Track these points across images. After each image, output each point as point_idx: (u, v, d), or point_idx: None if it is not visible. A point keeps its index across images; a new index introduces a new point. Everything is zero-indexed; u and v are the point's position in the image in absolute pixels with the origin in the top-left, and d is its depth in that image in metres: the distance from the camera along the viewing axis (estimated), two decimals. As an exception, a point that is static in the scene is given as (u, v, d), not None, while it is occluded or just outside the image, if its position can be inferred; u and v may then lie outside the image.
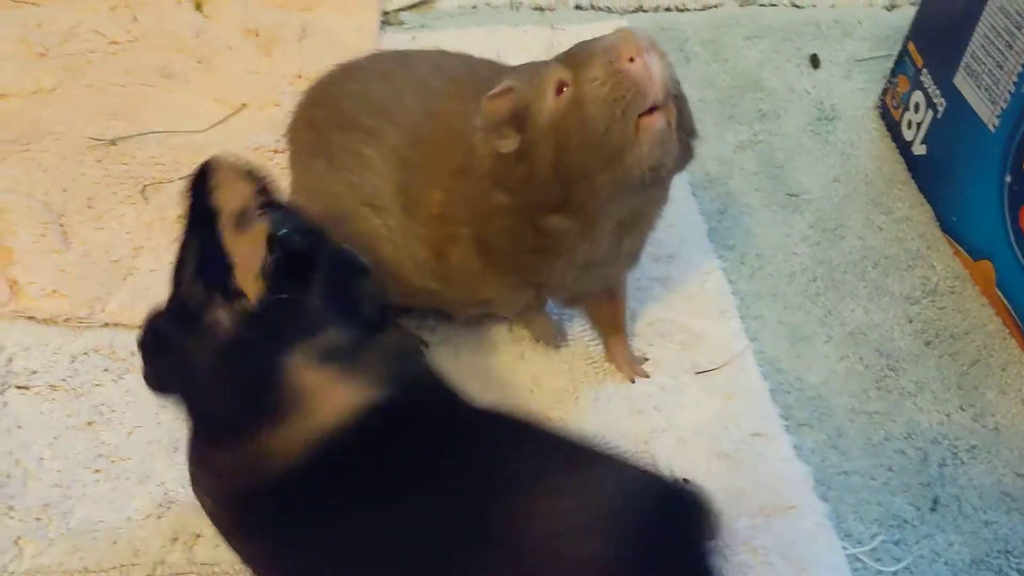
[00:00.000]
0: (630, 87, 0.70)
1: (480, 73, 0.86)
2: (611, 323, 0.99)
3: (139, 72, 1.21)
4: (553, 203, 0.77)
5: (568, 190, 0.76)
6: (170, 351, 0.66)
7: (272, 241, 0.64)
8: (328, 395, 0.60)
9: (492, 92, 0.76)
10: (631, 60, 0.69)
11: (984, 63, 1.06)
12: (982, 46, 1.07)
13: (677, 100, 0.74)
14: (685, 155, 0.78)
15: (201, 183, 0.69)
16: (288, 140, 0.97)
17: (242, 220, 0.65)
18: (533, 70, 0.77)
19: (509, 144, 0.76)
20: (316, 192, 0.90)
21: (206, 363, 0.64)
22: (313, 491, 0.60)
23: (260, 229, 0.64)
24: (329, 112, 0.91)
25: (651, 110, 0.71)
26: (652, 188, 0.79)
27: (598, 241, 0.82)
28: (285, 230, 0.64)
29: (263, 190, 0.68)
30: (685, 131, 0.76)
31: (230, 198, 0.67)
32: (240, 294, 0.62)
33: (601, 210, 0.78)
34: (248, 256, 0.63)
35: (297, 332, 0.62)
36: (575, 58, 0.74)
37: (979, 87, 1.07)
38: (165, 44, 1.25)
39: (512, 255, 0.84)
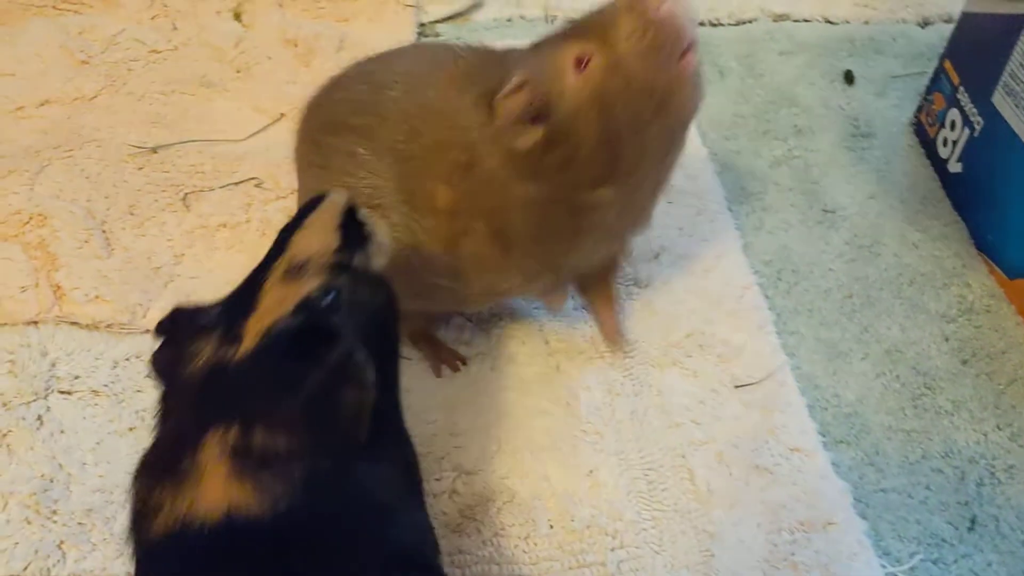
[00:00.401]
0: (669, 32, 0.71)
1: (468, 59, 0.84)
2: (606, 294, 1.00)
3: (179, 81, 1.22)
4: (598, 176, 0.77)
5: (616, 156, 0.76)
6: (171, 348, 0.66)
7: (303, 306, 0.62)
8: (212, 488, 0.57)
9: (505, 91, 0.74)
10: (658, 8, 0.71)
11: (1023, 82, 1.06)
12: (1021, 65, 1.07)
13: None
14: (700, 94, 0.79)
15: (304, 212, 0.69)
16: (295, 160, 0.97)
17: (296, 271, 0.65)
18: (536, 56, 0.76)
19: (531, 138, 0.75)
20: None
21: (174, 382, 0.64)
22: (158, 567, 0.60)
23: (302, 288, 0.64)
24: (319, 121, 0.91)
25: (686, 50, 0.72)
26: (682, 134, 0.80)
27: (638, 204, 0.84)
28: (325, 302, 0.63)
29: (343, 251, 0.66)
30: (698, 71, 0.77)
31: (304, 244, 0.66)
32: (237, 340, 0.61)
33: (648, 169, 0.79)
34: (271, 308, 0.63)
35: (231, 412, 0.59)
36: (591, 27, 0.74)
37: (1018, 106, 1.07)
38: (205, 53, 1.26)
39: (536, 242, 0.83)
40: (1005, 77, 1.10)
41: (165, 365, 0.66)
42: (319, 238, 0.67)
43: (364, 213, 0.71)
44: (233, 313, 0.64)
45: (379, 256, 0.70)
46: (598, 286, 1.00)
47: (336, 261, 0.66)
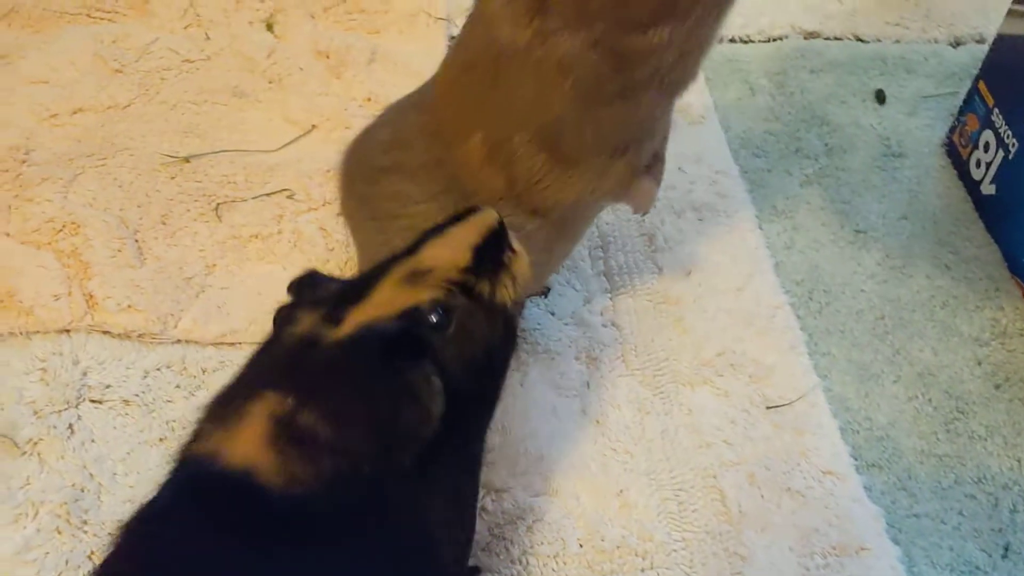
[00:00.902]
0: None
1: None
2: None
3: (212, 91, 1.22)
4: (655, 8, 0.73)
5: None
6: (292, 307, 0.66)
7: (408, 314, 0.61)
8: (245, 440, 0.58)
9: None
10: None
11: (1062, 105, 1.05)
12: (1058, 88, 1.06)
13: None
14: None
15: (452, 220, 0.68)
16: (346, 221, 0.98)
17: (417, 277, 0.64)
18: None
19: None
20: (382, 253, 0.77)
21: (276, 337, 0.65)
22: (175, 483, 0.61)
23: (416, 296, 0.62)
24: (356, 177, 0.91)
25: None
26: None
27: (691, 57, 0.78)
28: (433, 317, 0.62)
29: (470, 273, 0.65)
30: None
31: (435, 253, 0.65)
32: (338, 323, 0.61)
33: (706, 9, 0.75)
34: (379, 304, 0.62)
35: (294, 384, 0.59)
36: None
37: (1055, 129, 1.06)
38: (237, 64, 1.26)
39: (590, 125, 0.79)
40: (1041, 99, 1.09)
41: (281, 320, 0.66)
42: (451, 252, 0.65)
43: (513, 242, 0.69)
44: (346, 296, 0.64)
45: (509, 289, 0.68)
46: None
47: (459, 280, 0.64)
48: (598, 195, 0.85)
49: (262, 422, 0.58)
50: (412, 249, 0.66)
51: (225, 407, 0.61)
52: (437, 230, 0.67)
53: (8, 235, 1.02)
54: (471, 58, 0.82)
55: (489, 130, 0.81)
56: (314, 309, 0.63)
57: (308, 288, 0.66)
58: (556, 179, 0.82)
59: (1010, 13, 1.18)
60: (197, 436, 0.62)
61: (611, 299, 1.07)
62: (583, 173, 0.82)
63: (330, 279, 0.67)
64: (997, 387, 1.04)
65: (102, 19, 1.31)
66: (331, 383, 0.59)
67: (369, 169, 0.89)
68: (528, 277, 0.69)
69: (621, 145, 0.82)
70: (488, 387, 0.69)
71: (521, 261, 0.69)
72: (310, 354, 0.60)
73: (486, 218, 0.67)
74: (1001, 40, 1.21)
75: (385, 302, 0.62)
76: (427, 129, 0.85)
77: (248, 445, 0.57)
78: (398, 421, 0.59)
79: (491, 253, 0.67)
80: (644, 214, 0.95)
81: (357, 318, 0.61)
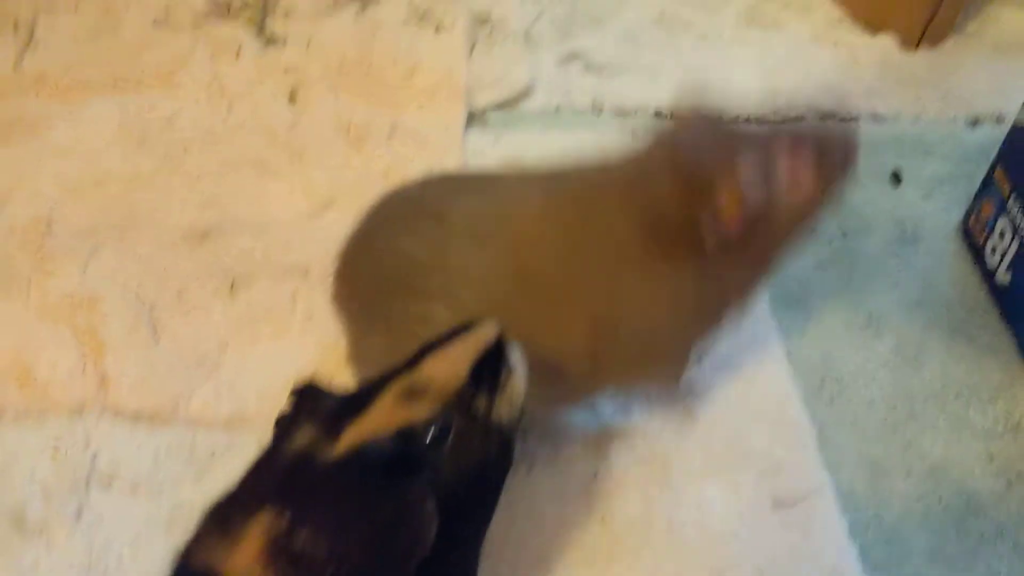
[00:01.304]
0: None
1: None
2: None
3: (233, 162, 1.25)
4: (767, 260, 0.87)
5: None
6: (292, 417, 0.67)
7: (405, 432, 0.62)
8: (242, 557, 0.59)
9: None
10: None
11: (1077, 203, 1.05)
12: (1074, 182, 1.06)
13: None
14: None
15: (453, 332, 0.68)
16: (335, 307, 0.93)
17: (415, 394, 0.64)
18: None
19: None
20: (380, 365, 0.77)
21: (276, 448, 0.66)
22: None
23: (411, 413, 0.63)
24: (368, 279, 0.88)
25: None
26: None
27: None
28: (429, 435, 0.62)
29: (468, 390, 0.65)
30: None
31: (433, 369, 0.65)
32: (334, 439, 0.62)
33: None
34: (375, 420, 0.63)
35: (292, 502, 0.60)
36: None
37: (1070, 224, 1.06)
38: (259, 136, 1.28)
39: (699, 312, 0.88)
40: (1057, 192, 1.09)
41: (280, 430, 0.67)
42: (449, 368, 0.65)
43: (512, 356, 0.69)
44: (345, 410, 0.65)
45: (505, 406, 0.68)
46: None
47: (457, 398, 0.64)
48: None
49: (259, 540, 0.58)
50: (411, 363, 0.67)
51: (226, 517, 0.62)
52: (437, 344, 0.68)
53: (27, 309, 1.04)
54: None
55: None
56: (313, 422, 0.64)
57: (309, 399, 0.67)
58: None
59: (1027, 104, 1.18)
60: (198, 542, 0.62)
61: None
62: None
63: (329, 392, 0.68)
64: (1009, 484, 1.03)
65: (128, 90, 1.33)
66: (327, 502, 0.60)
67: (394, 281, 0.85)
68: (522, 393, 0.69)
69: None
70: (481, 503, 0.70)
71: (518, 377, 0.69)
72: (307, 470, 0.61)
73: (485, 333, 0.68)
74: (1017, 130, 1.21)
75: (382, 418, 0.63)
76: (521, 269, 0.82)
77: (245, 563, 0.58)
78: (393, 543, 0.60)
79: (489, 370, 0.67)
80: None
81: (353, 435, 0.61)
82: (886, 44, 1.62)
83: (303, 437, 0.63)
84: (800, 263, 1.24)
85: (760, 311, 1.16)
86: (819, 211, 0.87)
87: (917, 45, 1.61)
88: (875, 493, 1.01)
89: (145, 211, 1.17)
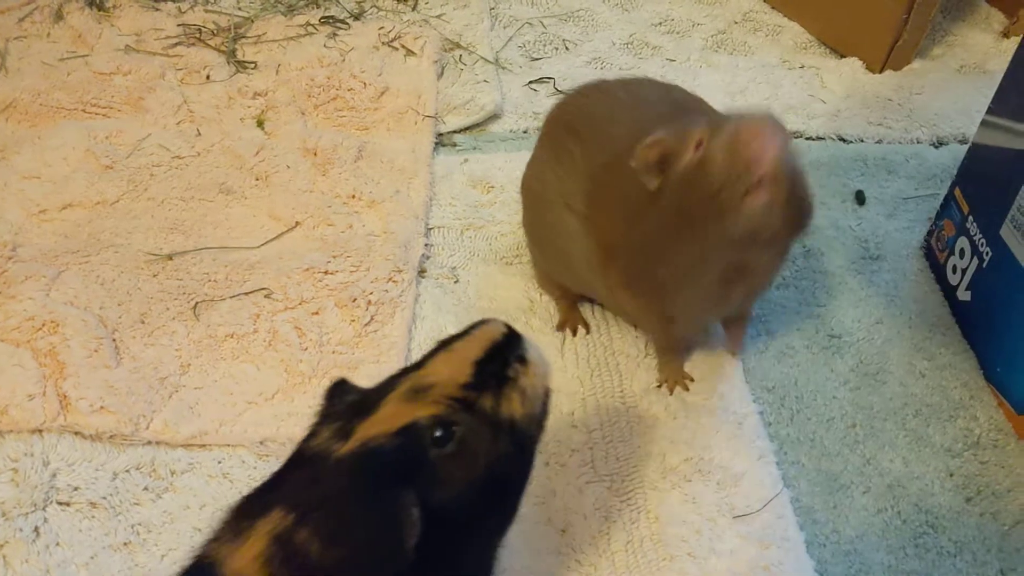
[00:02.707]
0: (742, 163, 0.83)
1: (677, 114, 0.97)
2: (734, 338, 1.13)
3: (199, 187, 1.25)
4: (663, 248, 0.93)
5: (680, 236, 0.91)
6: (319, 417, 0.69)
7: (406, 430, 0.62)
8: (244, 557, 0.61)
9: (645, 142, 0.89)
10: (752, 139, 0.82)
11: (1030, 219, 1.06)
12: (1029, 200, 1.07)
13: (791, 178, 0.86)
14: (795, 225, 0.91)
15: (463, 333, 0.69)
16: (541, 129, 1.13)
17: (419, 393, 0.64)
18: (686, 124, 0.89)
19: (653, 183, 0.90)
20: (536, 176, 1.09)
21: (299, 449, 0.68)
22: None
23: (414, 412, 0.63)
24: (564, 116, 1.08)
25: (759, 185, 0.83)
26: (754, 249, 0.91)
27: (700, 288, 0.95)
28: (435, 433, 0.62)
29: (471, 388, 0.65)
30: (794, 206, 0.89)
31: (437, 369, 0.66)
32: (346, 438, 0.63)
33: (701, 260, 0.92)
34: (382, 420, 0.63)
35: (298, 501, 0.62)
36: (716, 124, 0.87)
37: (1025, 241, 1.07)
38: (226, 160, 1.29)
39: (647, 283, 0.98)
40: (1013, 211, 1.10)
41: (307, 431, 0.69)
42: (453, 367, 0.66)
43: (527, 352, 0.69)
44: (358, 409, 0.66)
45: (515, 403, 0.67)
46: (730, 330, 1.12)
47: (459, 396, 0.64)
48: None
49: (263, 540, 0.60)
50: (420, 363, 0.67)
51: (242, 515, 0.63)
52: (445, 344, 0.68)
53: (-12, 332, 1.04)
54: None
55: (609, 225, 1.01)
56: (330, 423, 0.65)
57: (338, 397, 0.68)
58: (625, 295, 1.05)
59: (984, 123, 1.19)
60: (216, 537, 0.64)
61: (582, 400, 1.08)
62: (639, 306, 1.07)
63: (352, 388, 0.69)
64: (968, 500, 1.03)
65: (97, 114, 1.35)
66: (328, 501, 0.61)
67: (571, 123, 1.05)
68: (542, 387, 0.69)
69: None
70: (498, 503, 0.69)
71: (536, 372, 0.69)
72: (319, 468, 0.63)
73: (490, 331, 0.68)
74: (975, 149, 1.23)
75: (387, 417, 0.64)
76: (608, 154, 1.00)
77: (246, 563, 0.60)
78: (374, 547, 0.60)
79: (494, 367, 0.67)
80: None
81: (361, 434, 0.63)
82: (853, 67, 1.64)
83: (321, 436, 0.64)
84: (763, 282, 1.25)
85: (721, 331, 1.17)
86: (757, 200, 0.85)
87: (882, 68, 1.64)
88: (833, 508, 1.01)
89: (109, 236, 1.17)
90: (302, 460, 0.65)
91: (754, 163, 0.83)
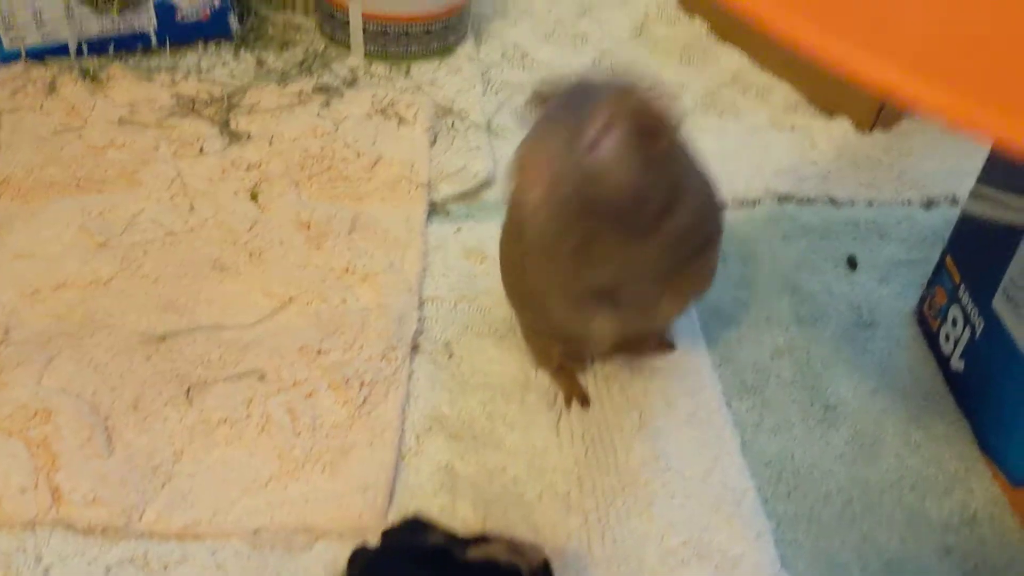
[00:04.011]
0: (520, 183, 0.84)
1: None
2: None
3: (193, 263, 1.25)
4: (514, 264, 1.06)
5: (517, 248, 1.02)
6: None
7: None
8: None
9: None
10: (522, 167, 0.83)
11: (1023, 289, 1.07)
12: (1021, 272, 1.08)
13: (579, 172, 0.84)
14: (633, 212, 0.89)
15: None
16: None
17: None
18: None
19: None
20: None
21: None
22: None
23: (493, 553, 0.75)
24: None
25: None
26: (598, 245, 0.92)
27: (561, 308, 1.01)
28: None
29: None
30: (606, 195, 0.86)
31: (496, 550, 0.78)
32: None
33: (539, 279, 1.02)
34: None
35: None
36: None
37: (1018, 314, 1.08)
38: (220, 236, 1.29)
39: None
40: (1005, 282, 1.11)
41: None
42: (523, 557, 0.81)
43: None
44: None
45: None
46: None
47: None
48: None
49: None
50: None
51: None
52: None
53: (-19, 421, 1.04)
54: None
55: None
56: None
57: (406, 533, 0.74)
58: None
59: (973, 194, 1.20)
60: None
61: (578, 479, 1.08)
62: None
63: (428, 527, 0.77)
64: (966, 577, 1.03)
65: (91, 189, 1.35)
66: None
67: None
68: None
69: None
70: None
71: None
72: None
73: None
74: (966, 219, 1.24)
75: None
76: None
77: None
78: None
79: None
80: None
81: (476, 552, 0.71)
82: (842, 127, 1.66)
83: None
84: (755, 351, 1.25)
85: (714, 402, 1.17)
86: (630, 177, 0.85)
87: (872, 127, 1.65)
88: (831, 591, 1.01)
89: (103, 316, 1.17)
90: None
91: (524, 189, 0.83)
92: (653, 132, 0.85)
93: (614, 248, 0.93)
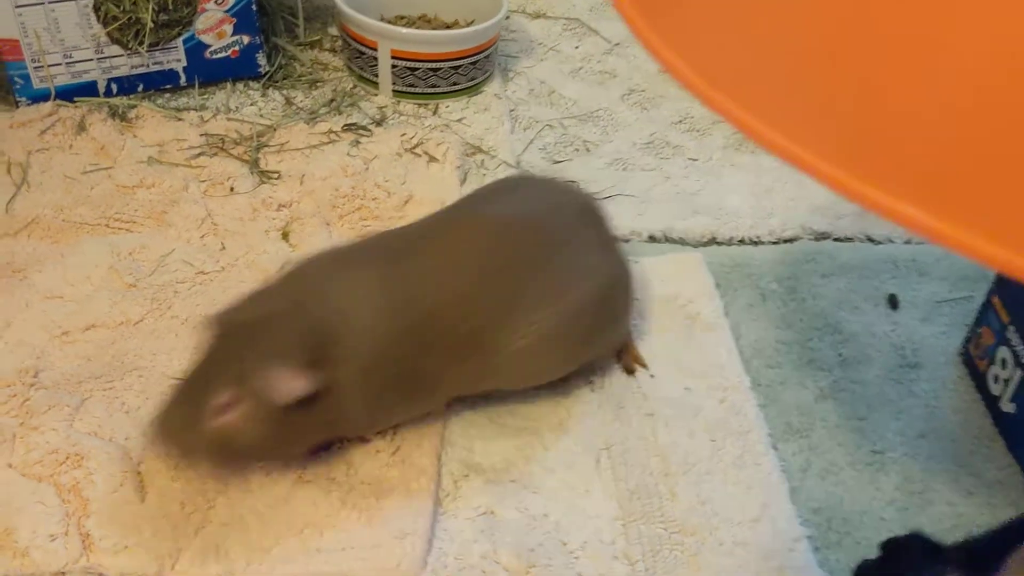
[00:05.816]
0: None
1: None
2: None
3: (224, 303, 1.23)
4: None
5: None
6: None
7: None
8: None
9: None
10: None
11: (1078, 336, 1.04)
12: (1074, 312, 1.05)
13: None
14: None
15: None
16: None
17: None
18: None
19: None
20: None
21: None
22: None
23: None
24: None
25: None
26: None
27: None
28: None
29: None
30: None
31: None
32: None
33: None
34: None
35: None
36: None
37: (1073, 356, 1.05)
38: (251, 275, 1.27)
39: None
40: (1057, 322, 1.08)
41: None
42: None
43: None
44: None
45: None
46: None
47: None
48: None
49: None
50: None
51: None
52: None
53: (11, 466, 1.01)
54: None
55: None
56: None
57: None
58: None
59: None
60: None
61: (623, 526, 1.04)
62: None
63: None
64: (1027, 630, 0.99)
65: (120, 229, 1.33)
66: None
67: None
68: None
69: None
70: None
71: None
72: None
73: None
74: (1012, 257, 1.21)
75: None
76: None
77: None
78: None
79: None
80: None
81: None
82: (876, 164, 1.63)
83: None
84: (799, 393, 1.22)
85: (760, 444, 1.14)
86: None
87: (907, 164, 1.62)
88: (889, 645, 0.97)
89: (133, 358, 1.15)
90: None
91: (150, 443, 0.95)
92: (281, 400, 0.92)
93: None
